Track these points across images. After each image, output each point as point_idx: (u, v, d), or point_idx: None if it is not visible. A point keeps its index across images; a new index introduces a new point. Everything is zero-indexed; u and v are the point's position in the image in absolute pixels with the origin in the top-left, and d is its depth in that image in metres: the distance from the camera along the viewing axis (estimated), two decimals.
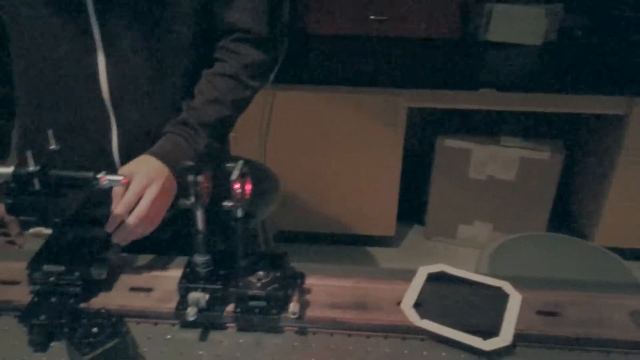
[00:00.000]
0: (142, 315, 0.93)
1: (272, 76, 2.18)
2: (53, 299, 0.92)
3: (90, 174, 0.86)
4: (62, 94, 1.03)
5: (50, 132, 0.89)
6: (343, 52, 2.51)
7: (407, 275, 1.00)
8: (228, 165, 0.88)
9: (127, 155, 1.07)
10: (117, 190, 0.93)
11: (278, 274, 0.93)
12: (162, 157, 0.99)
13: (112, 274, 0.96)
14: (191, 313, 0.88)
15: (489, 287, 0.96)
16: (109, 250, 0.96)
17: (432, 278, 0.99)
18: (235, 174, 0.86)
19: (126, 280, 0.99)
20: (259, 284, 0.92)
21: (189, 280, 0.92)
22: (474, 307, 0.93)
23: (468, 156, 2.47)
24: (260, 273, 0.93)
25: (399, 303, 0.94)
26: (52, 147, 0.90)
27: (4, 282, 0.99)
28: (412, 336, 0.90)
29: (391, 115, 2.28)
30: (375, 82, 2.23)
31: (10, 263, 1.02)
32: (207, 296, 0.90)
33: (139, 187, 0.93)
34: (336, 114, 2.30)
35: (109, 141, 1.06)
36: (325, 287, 0.99)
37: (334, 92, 2.26)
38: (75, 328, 0.83)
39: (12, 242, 1.20)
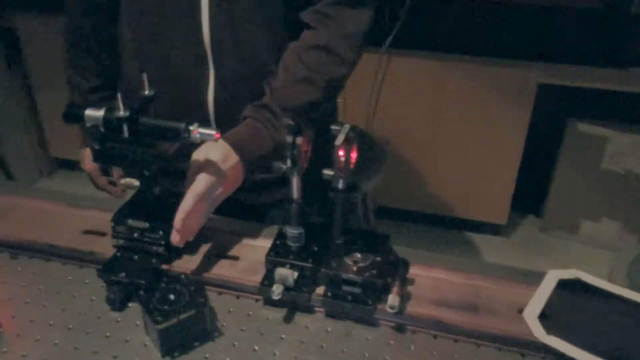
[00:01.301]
0: (225, 286, 0.85)
1: (388, 40, 2.03)
2: (135, 257, 0.86)
3: (181, 125, 0.77)
4: (163, 37, 0.96)
5: (144, 76, 0.82)
6: (469, 17, 2.28)
7: (532, 278, 0.84)
8: (333, 127, 0.76)
9: (222, 111, 1.00)
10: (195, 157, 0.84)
11: (378, 259, 0.81)
12: (235, 145, 0.88)
13: (198, 236, 0.88)
14: (276, 291, 0.78)
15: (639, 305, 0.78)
16: None
17: (564, 285, 0.82)
18: (340, 139, 0.74)
19: (212, 245, 0.92)
20: (355, 268, 0.80)
21: (278, 254, 0.82)
22: (617, 328, 0.75)
23: (603, 144, 2.18)
24: (358, 255, 0.82)
25: (520, 311, 0.79)
26: (146, 92, 0.82)
27: (91, 232, 0.94)
28: (533, 353, 0.74)
29: (518, 91, 2.05)
30: (504, 53, 2.01)
31: (99, 212, 0.98)
32: (295, 274, 0.80)
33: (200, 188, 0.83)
34: (456, 85, 2.11)
35: (205, 91, 0.98)
36: (431, 280, 0.85)
37: (455, 61, 2.07)
38: (151, 292, 0.76)
39: (113, 183, 1.16)
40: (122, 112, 0.76)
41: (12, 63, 2.54)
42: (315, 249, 0.83)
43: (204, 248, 0.91)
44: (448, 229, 2.49)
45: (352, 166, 0.76)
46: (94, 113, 0.79)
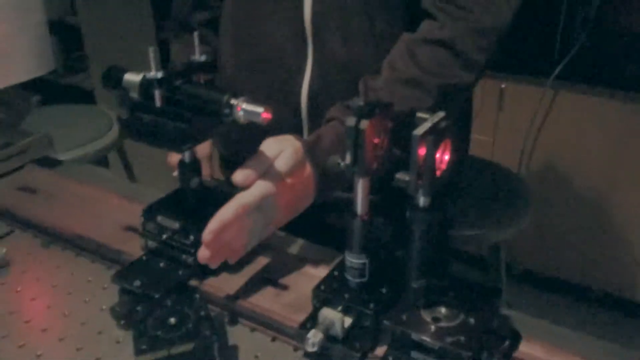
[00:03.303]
0: (261, 321, 0.63)
1: (557, 71, 1.71)
2: (161, 264, 0.68)
3: (223, 97, 0.59)
4: (260, 14, 0.83)
5: (196, 37, 0.65)
6: None
7: None
8: (420, 116, 0.52)
9: (317, 102, 0.83)
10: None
11: (472, 320, 0.54)
12: (311, 152, 0.67)
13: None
14: (311, 340, 0.55)
15: None
16: None
17: None
18: (422, 128, 0.49)
19: (260, 265, 0.71)
20: (433, 327, 0.54)
21: (330, 289, 0.59)
22: None
23: None
24: (442, 310, 0.56)
25: None
26: (195, 57, 0.66)
27: (132, 229, 0.79)
28: None
29: None
30: None
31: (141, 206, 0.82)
32: (347, 320, 0.56)
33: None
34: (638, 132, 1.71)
35: (301, 78, 0.82)
36: None
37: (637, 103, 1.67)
38: (150, 311, 0.57)
39: None
40: (153, 73, 0.60)
41: None
42: (383, 291, 0.58)
43: (250, 268, 0.71)
44: (608, 310, 2.01)
45: (439, 173, 0.51)
46: (133, 77, 0.64)
